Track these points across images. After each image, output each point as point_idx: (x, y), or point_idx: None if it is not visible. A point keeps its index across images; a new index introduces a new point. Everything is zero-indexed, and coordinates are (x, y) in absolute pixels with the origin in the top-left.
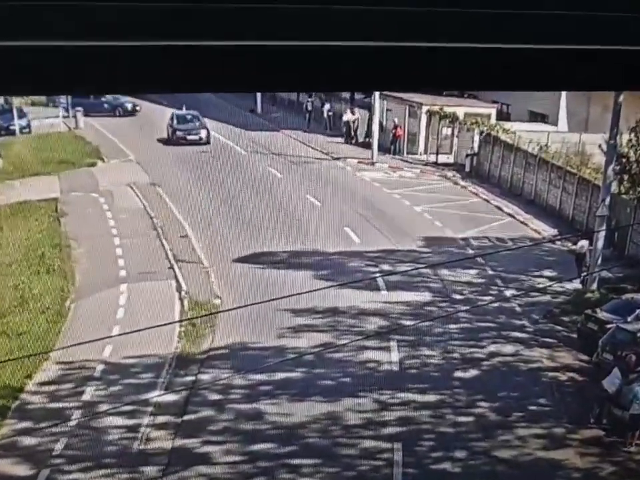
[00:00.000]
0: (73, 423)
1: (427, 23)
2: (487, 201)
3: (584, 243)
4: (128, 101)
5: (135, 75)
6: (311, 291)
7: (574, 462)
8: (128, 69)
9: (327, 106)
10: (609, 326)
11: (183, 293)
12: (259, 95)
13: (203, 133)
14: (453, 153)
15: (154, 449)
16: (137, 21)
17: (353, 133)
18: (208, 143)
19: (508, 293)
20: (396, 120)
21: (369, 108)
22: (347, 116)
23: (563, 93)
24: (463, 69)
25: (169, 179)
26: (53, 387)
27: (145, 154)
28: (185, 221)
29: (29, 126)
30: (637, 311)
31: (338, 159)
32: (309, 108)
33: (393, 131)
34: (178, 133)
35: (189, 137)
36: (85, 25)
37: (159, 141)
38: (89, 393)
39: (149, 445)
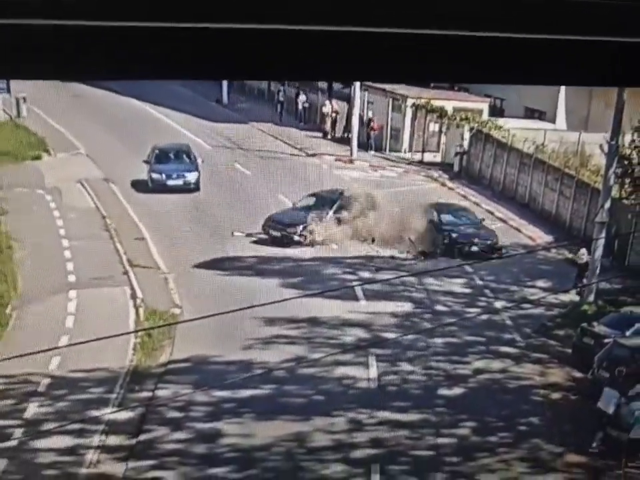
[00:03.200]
0: (12, 443)
1: (417, 7)
2: (477, 205)
3: (584, 251)
4: None
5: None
6: (283, 300)
7: None
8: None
9: (302, 97)
10: (606, 341)
11: (138, 301)
12: (224, 83)
13: (192, 176)
14: (441, 151)
15: (103, 474)
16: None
17: (330, 127)
18: (197, 189)
19: (498, 304)
20: (370, 113)
21: (348, 100)
22: (326, 108)
23: (562, 88)
24: (457, 60)
25: (123, 174)
26: None
27: (97, 146)
28: (141, 221)
29: None
30: (636, 325)
31: (313, 155)
32: (281, 98)
33: (369, 125)
34: (153, 176)
35: (170, 183)
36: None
37: (133, 185)
38: (32, 409)
39: (97, 469)
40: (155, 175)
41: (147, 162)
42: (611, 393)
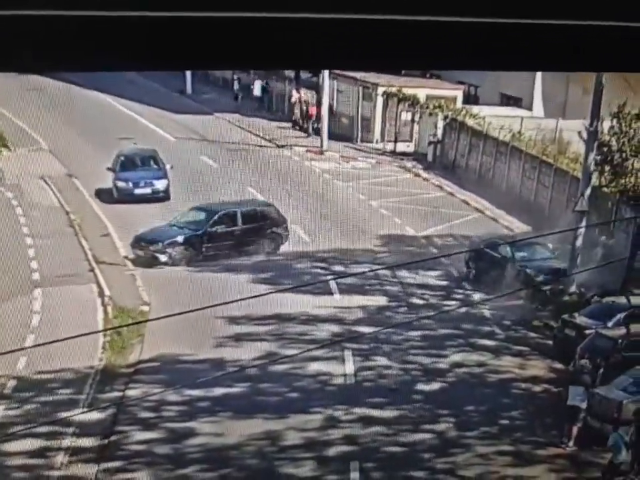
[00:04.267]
0: None
1: None
2: (452, 195)
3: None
4: None
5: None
6: (252, 297)
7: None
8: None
9: (257, 84)
10: (587, 332)
11: (105, 299)
12: (188, 73)
13: (161, 184)
14: (414, 141)
15: (74, 476)
16: None
17: (301, 118)
18: (167, 198)
19: (476, 296)
20: (302, 93)
21: (317, 89)
22: (294, 98)
23: (539, 74)
24: (429, 46)
25: (87, 169)
26: None
27: (59, 141)
28: (106, 217)
29: None
30: (618, 316)
31: (283, 146)
32: (236, 87)
33: (307, 111)
34: (119, 184)
35: (137, 191)
36: None
37: (97, 195)
38: None
39: (68, 471)
40: (120, 184)
41: (111, 169)
42: (576, 390)
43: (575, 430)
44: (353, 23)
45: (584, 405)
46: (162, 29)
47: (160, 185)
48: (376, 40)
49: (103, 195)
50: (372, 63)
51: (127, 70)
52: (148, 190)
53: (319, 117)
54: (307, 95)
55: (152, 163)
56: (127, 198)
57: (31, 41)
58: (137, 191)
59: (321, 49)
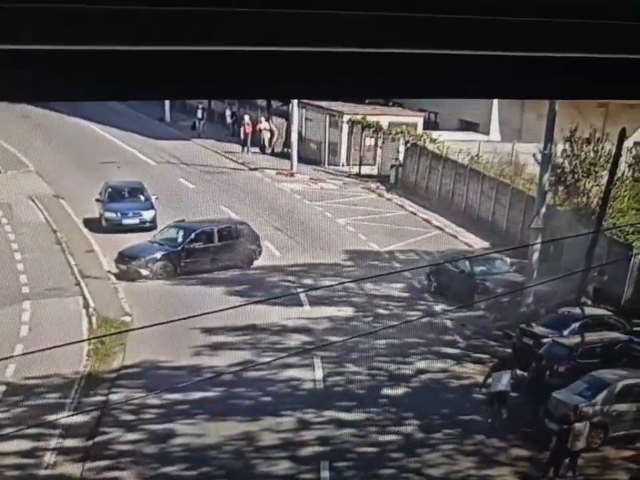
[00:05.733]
0: None
1: (354, 27)
2: (414, 214)
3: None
4: None
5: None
6: (229, 308)
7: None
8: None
9: (228, 111)
10: (544, 340)
11: (90, 310)
12: (167, 102)
13: (148, 214)
14: (377, 164)
15: (61, 475)
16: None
17: (267, 144)
18: (154, 227)
19: (438, 307)
20: (247, 118)
21: (287, 117)
22: (262, 125)
23: (495, 101)
24: (392, 76)
25: (72, 191)
26: None
27: (46, 164)
28: (91, 234)
29: None
30: (573, 325)
31: (255, 169)
32: (199, 115)
33: (244, 130)
34: (108, 215)
35: (125, 221)
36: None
37: (85, 224)
38: None
39: (55, 470)
40: (109, 214)
41: (99, 200)
42: (499, 376)
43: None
44: (321, 55)
45: (509, 389)
46: (141, 62)
47: (147, 215)
48: (342, 71)
49: (92, 225)
50: (338, 92)
51: (108, 100)
52: (136, 220)
53: (248, 134)
54: (273, 124)
55: (138, 194)
56: (116, 228)
57: (20, 73)
58: (125, 221)
59: (290, 80)
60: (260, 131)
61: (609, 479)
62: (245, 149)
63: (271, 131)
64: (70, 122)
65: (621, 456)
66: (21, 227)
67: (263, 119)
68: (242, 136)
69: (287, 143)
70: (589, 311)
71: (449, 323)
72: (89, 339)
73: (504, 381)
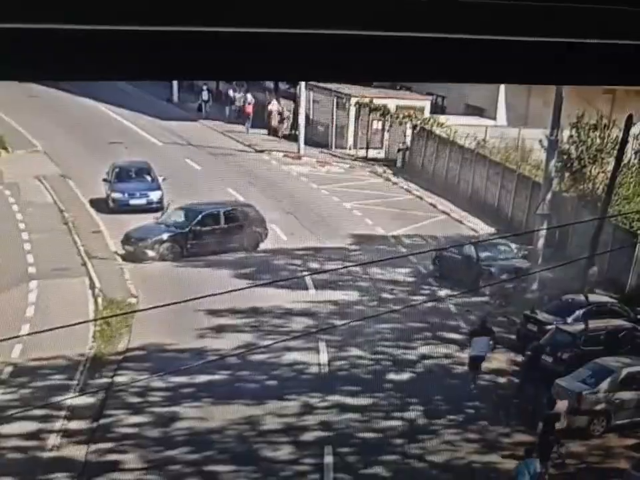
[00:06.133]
0: None
1: (364, 8)
2: (420, 198)
3: None
4: None
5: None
6: (234, 290)
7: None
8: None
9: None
10: (548, 327)
11: (96, 291)
12: (175, 83)
13: (155, 195)
14: (384, 148)
15: (65, 456)
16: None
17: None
18: (161, 208)
19: (442, 292)
20: (249, 98)
21: (294, 99)
22: (272, 106)
23: (502, 86)
24: (400, 60)
25: (80, 171)
26: None
27: (54, 144)
28: (98, 215)
29: None
30: (577, 312)
31: (262, 151)
32: (205, 97)
33: (244, 111)
34: (115, 195)
35: (132, 202)
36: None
37: (92, 203)
38: None
39: (60, 452)
40: (116, 195)
41: (106, 180)
42: (479, 341)
43: None
44: (330, 37)
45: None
46: (150, 42)
47: (154, 196)
48: (350, 54)
49: (99, 205)
50: (346, 75)
51: (117, 79)
52: (143, 201)
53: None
54: (281, 105)
55: (145, 175)
56: (123, 208)
57: (28, 52)
58: (132, 202)
59: (299, 62)
60: (270, 113)
61: (611, 467)
62: (246, 129)
63: (281, 114)
64: (79, 102)
65: (623, 444)
66: (28, 207)
67: (274, 100)
68: (239, 115)
69: (294, 125)
70: (593, 298)
71: (453, 308)
72: (94, 319)
73: (481, 345)
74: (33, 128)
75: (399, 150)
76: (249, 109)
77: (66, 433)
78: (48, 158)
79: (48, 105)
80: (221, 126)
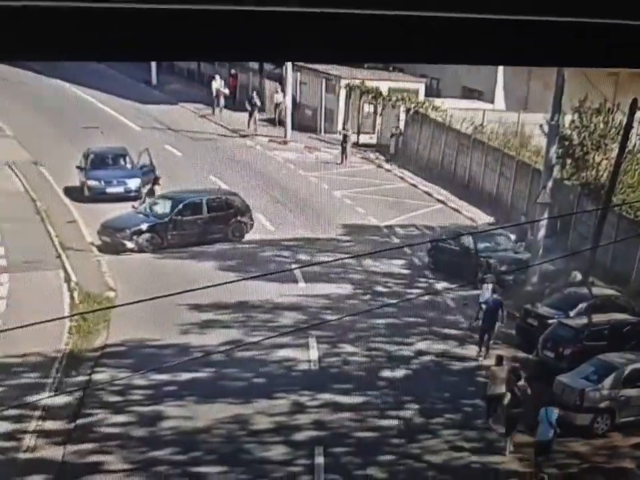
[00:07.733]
0: None
1: None
2: (415, 186)
3: None
4: None
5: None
6: (221, 284)
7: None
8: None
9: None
10: (549, 321)
11: (72, 284)
12: (153, 64)
13: (133, 183)
14: (376, 133)
15: (41, 458)
16: None
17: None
18: (139, 197)
19: (439, 285)
20: (232, 71)
21: (280, 80)
22: (278, 96)
23: (500, 68)
24: (391, 40)
25: (52, 157)
26: None
27: (24, 128)
28: (72, 204)
29: None
30: (580, 306)
31: (246, 136)
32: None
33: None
34: (91, 183)
35: (109, 190)
36: None
37: (66, 193)
38: None
39: (34, 454)
40: (92, 182)
41: (80, 168)
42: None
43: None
44: (319, 16)
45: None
46: (127, 20)
47: (132, 183)
48: (340, 33)
49: (73, 193)
50: (335, 55)
51: (91, 60)
52: (120, 189)
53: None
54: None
55: (122, 161)
56: (99, 197)
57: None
58: (110, 190)
59: (285, 41)
60: (277, 105)
61: (615, 466)
62: (217, 110)
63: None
64: (49, 83)
65: (628, 443)
66: None
67: (279, 89)
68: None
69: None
70: (597, 291)
71: (450, 302)
72: (70, 315)
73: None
74: (0, 111)
75: (392, 135)
76: (234, 82)
77: (41, 434)
78: (18, 143)
79: (16, 87)
80: (202, 109)
